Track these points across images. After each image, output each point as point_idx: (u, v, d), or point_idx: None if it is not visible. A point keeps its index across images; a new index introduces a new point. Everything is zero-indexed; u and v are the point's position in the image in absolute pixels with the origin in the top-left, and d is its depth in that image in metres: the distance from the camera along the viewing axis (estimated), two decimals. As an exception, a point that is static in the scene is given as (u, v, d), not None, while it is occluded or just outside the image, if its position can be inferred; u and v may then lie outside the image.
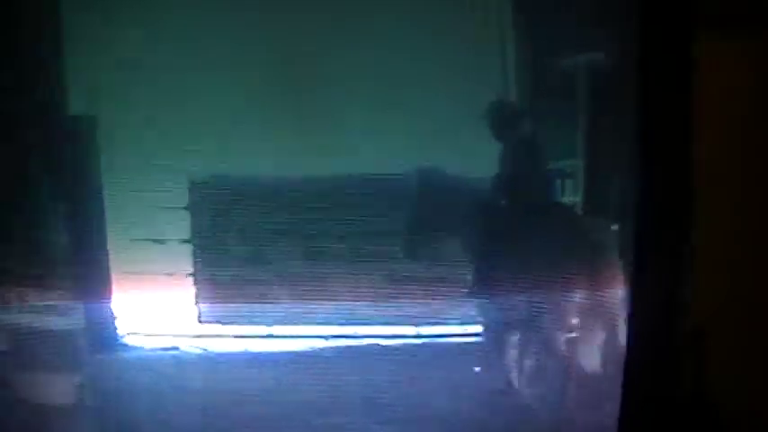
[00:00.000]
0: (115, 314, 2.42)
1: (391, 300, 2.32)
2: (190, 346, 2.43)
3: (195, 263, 2.38)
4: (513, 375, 2.43)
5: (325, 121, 2.26)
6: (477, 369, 2.44)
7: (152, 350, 2.45)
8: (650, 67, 2.07)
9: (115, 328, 2.43)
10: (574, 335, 2.40)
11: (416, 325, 2.36)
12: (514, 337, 2.43)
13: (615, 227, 2.33)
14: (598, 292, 2.32)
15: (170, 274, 2.38)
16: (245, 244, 2.35)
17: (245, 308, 2.40)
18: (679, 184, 2.11)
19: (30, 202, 2.38)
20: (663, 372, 2.16)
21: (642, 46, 2.07)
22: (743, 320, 2.42)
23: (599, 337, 2.35)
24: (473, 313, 2.39)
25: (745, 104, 2.45)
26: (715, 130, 2.23)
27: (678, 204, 2.11)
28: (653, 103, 2.09)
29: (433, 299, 2.32)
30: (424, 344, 2.38)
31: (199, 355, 2.42)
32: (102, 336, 2.44)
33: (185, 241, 2.37)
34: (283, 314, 2.37)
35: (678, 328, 2.15)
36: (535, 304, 2.32)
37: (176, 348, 2.43)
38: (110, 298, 2.40)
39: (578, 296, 2.33)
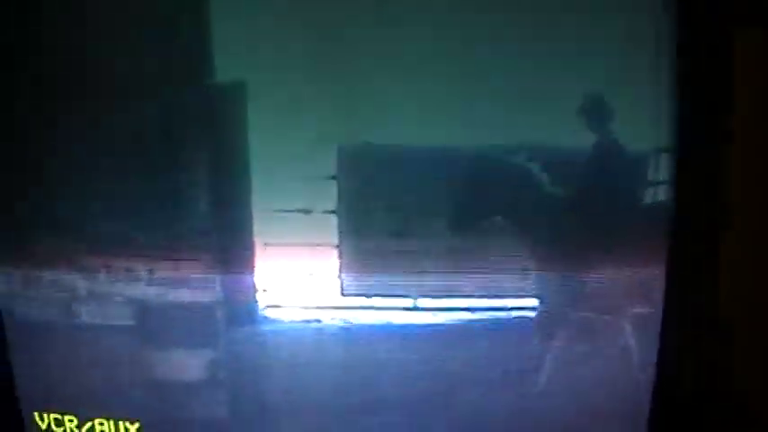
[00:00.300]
0: (256, 286, 2.38)
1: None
2: (332, 319, 2.39)
3: (340, 234, 2.33)
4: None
5: (479, 92, 2.23)
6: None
7: (293, 323, 2.40)
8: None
9: (255, 301, 2.39)
10: (610, 320, 2.37)
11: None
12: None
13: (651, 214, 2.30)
14: (635, 280, 2.29)
15: (314, 245, 2.34)
16: (391, 215, 2.32)
17: (389, 280, 2.36)
18: (713, 175, 2.14)
19: (171, 170, 2.34)
20: (694, 361, 2.20)
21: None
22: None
23: (633, 323, 2.33)
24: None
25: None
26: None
27: (712, 195, 2.14)
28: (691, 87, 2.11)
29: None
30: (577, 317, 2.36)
31: (341, 328, 2.38)
32: (242, 309, 2.40)
33: (331, 212, 2.33)
34: (428, 286, 2.35)
35: (709, 319, 2.19)
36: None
37: (318, 321, 2.39)
38: (251, 270, 2.35)
39: (615, 283, 2.31)
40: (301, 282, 2.36)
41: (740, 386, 2.25)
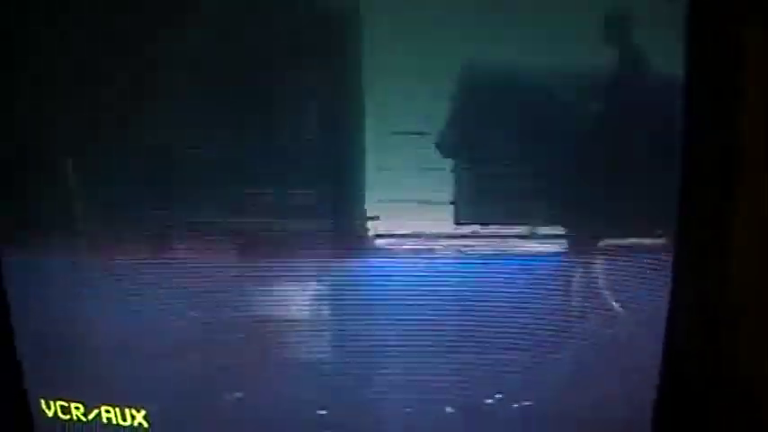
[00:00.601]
0: (367, 215, 2.33)
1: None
2: (445, 249, 2.31)
3: (455, 159, 2.28)
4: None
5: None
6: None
7: (405, 254, 2.33)
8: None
9: (366, 230, 2.33)
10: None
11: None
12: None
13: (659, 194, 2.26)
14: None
15: (427, 170, 2.27)
16: (504, 141, 2.28)
17: (504, 207, 2.32)
18: (721, 165, 2.13)
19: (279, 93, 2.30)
20: (701, 347, 2.19)
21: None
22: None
23: (640, 306, 2.31)
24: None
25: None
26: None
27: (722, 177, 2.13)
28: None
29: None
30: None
31: (455, 258, 2.31)
32: (352, 239, 2.36)
33: (445, 137, 2.27)
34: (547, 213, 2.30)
35: (717, 304, 2.18)
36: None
37: (431, 251, 2.32)
38: (361, 197, 2.31)
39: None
40: (414, 210, 2.28)
41: (746, 372, 2.24)
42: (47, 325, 2.47)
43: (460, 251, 2.31)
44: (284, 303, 2.37)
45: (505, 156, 2.29)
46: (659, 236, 2.25)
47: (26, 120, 2.41)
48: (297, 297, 2.37)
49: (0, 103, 2.41)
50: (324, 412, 2.39)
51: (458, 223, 2.30)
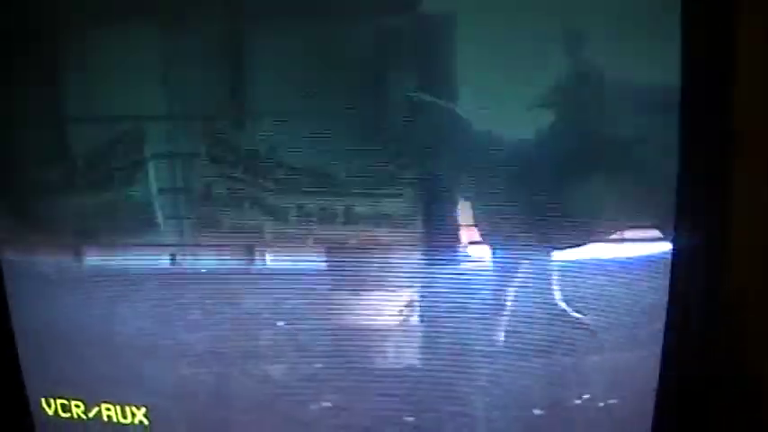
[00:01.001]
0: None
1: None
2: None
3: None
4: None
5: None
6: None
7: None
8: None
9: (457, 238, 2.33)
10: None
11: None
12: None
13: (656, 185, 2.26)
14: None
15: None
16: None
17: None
18: (720, 153, 2.11)
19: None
20: (702, 339, 2.17)
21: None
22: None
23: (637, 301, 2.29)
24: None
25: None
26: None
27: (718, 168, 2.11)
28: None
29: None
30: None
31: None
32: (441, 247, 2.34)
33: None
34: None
35: (717, 296, 2.15)
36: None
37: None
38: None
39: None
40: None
41: (747, 371, 2.23)
42: (46, 323, 2.46)
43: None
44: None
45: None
46: (658, 234, 2.24)
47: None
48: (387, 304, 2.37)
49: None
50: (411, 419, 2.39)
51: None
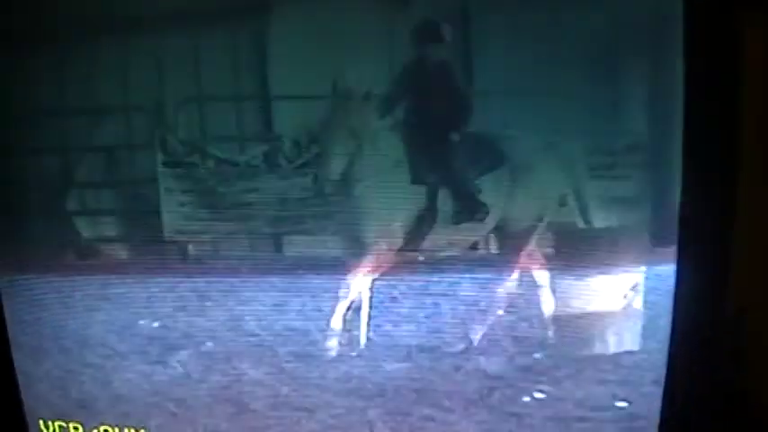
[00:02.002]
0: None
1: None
2: None
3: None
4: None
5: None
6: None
7: None
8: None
9: None
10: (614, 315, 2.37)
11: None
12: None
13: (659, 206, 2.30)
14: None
15: None
16: None
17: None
18: (724, 167, 2.09)
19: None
20: (704, 359, 2.15)
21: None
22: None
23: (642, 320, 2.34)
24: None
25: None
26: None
27: (723, 183, 2.09)
28: (699, 80, 2.06)
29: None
30: None
31: None
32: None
33: None
34: None
35: (720, 316, 2.14)
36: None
37: None
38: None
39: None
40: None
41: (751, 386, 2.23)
42: (45, 346, 2.41)
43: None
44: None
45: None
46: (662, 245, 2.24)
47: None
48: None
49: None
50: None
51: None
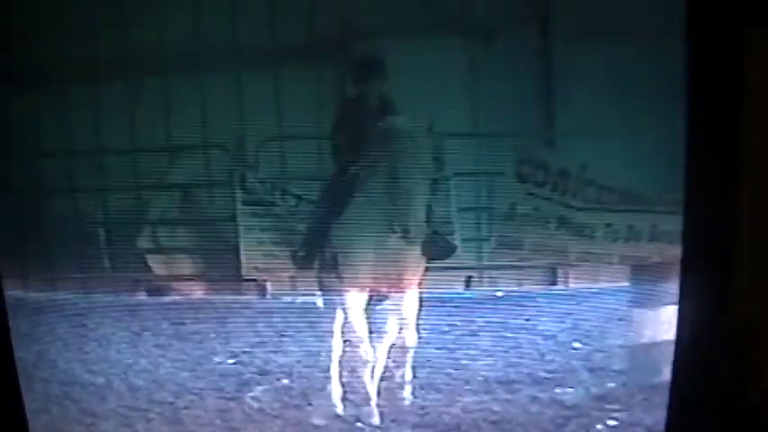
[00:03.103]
0: None
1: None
2: None
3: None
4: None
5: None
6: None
7: None
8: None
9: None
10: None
11: None
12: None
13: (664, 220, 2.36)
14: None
15: None
16: None
17: None
18: (726, 181, 2.12)
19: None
20: (709, 368, 2.16)
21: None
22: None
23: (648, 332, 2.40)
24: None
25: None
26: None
27: (726, 198, 2.12)
28: (702, 99, 2.10)
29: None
30: None
31: None
32: None
33: None
34: None
35: (724, 326, 2.16)
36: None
37: None
38: None
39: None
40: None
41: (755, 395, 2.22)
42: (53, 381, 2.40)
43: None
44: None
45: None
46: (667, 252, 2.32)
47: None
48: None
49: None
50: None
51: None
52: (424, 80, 2.26)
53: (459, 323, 2.39)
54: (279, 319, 2.36)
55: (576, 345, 2.39)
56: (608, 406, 2.38)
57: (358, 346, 2.38)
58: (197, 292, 2.46)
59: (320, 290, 2.35)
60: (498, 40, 2.30)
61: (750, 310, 2.16)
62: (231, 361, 2.42)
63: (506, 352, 2.38)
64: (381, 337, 2.40)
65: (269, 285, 2.40)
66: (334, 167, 2.33)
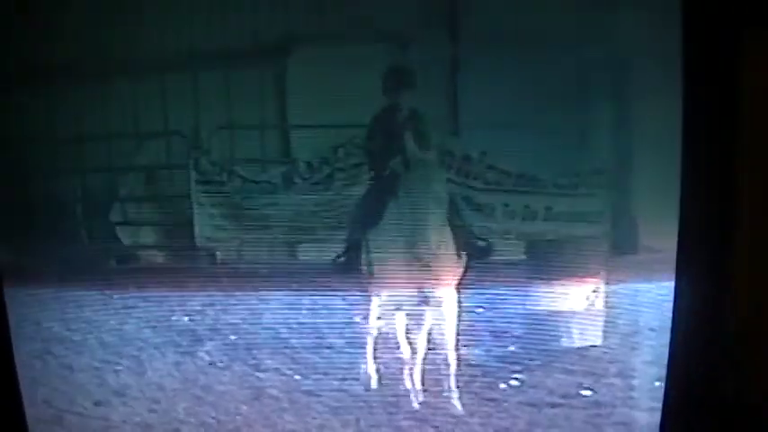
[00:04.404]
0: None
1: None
2: None
3: None
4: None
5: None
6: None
7: None
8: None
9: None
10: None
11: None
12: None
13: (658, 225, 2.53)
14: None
15: None
16: None
17: None
18: (721, 183, 2.22)
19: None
20: (705, 373, 2.27)
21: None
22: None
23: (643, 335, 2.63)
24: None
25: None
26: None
27: (721, 204, 2.23)
28: (697, 100, 2.21)
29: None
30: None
31: None
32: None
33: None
34: None
35: (721, 331, 2.26)
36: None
37: None
38: None
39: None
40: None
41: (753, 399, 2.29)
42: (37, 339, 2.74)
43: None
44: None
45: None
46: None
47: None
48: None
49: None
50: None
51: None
52: (356, 81, 2.67)
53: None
54: (227, 283, 2.75)
55: (479, 310, 2.74)
56: (510, 367, 2.72)
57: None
58: (158, 259, 2.86)
59: (358, 292, 2.71)
60: (412, 46, 2.70)
61: (748, 310, 2.26)
62: (186, 319, 2.81)
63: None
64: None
65: (218, 253, 2.79)
66: (370, 175, 2.72)
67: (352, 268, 2.68)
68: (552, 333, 2.73)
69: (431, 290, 2.66)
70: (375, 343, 2.72)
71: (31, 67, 2.66)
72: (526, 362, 2.72)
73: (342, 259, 2.66)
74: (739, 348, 2.29)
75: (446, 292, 2.66)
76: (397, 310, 2.71)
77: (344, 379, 2.73)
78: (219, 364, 2.79)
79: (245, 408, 2.74)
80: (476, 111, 2.70)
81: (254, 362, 2.78)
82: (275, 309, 2.74)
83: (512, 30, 2.60)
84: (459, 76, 2.72)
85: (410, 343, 2.74)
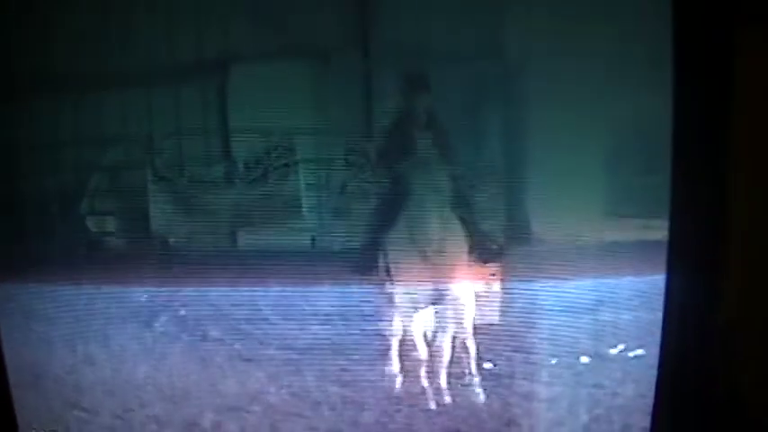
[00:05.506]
0: None
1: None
2: None
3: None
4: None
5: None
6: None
7: None
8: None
9: None
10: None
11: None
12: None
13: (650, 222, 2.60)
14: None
15: None
16: None
17: None
18: (713, 181, 2.22)
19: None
20: (695, 368, 2.27)
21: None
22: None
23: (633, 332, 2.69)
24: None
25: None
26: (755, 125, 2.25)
27: (713, 199, 2.22)
28: (689, 94, 2.23)
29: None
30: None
31: None
32: None
33: None
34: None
35: (711, 325, 2.27)
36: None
37: None
38: None
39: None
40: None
41: (743, 394, 2.29)
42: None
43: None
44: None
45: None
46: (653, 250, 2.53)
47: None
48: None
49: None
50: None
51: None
52: (285, 92, 3.14)
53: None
54: (177, 265, 3.23)
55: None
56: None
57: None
58: (120, 245, 3.35)
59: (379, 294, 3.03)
60: (332, 61, 3.16)
61: (740, 309, 2.28)
62: (144, 297, 3.29)
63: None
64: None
65: (170, 239, 3.27)
66: (387, 180, 3.01)
67: (369, 269, 2.98)
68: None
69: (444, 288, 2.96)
70: (399, 344, 3.06)
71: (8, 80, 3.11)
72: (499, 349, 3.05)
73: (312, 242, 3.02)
74: (731, 341, 2.31)
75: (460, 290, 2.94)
76: (414, 309, 3.00)
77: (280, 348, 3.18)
78: (171, 335, 3.25)
79: (193, 374, 3.20)
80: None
81: (200, 333, 3.25)
82: (219, 287, 3.20)
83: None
84: (372, 89, 3.19)
85: (428, 344, 3.08)
